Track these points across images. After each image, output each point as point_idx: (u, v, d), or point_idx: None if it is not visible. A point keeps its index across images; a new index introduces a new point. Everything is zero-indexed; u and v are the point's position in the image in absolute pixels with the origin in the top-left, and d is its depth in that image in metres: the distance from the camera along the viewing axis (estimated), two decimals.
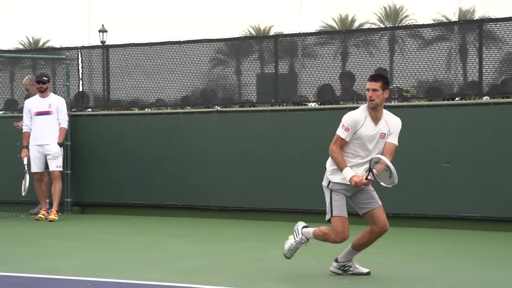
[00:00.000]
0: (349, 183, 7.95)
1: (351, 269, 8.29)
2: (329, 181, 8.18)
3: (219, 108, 14.06)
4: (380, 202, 8.12)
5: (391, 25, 39.45)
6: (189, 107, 14.54)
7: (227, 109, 14.02)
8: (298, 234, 8.37)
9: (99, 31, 41.03)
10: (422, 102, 12.68)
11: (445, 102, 12.40)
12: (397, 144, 8.07)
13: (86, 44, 15.71)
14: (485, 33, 12.07)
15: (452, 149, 12.08)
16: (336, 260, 8.34)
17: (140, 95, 14.71)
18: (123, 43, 14.90)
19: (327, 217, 8.20)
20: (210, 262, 9.45)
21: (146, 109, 14.77)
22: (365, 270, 8.31)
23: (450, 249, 10.51)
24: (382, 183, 7.99)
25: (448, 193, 12.10)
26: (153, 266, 9.11)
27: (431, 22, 15.50)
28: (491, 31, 12.09)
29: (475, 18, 24.23)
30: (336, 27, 48.86)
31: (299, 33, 13.78)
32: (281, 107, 13.64)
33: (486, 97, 12.21)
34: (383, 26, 41.25)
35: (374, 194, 8.14)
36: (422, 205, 12.29)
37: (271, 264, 9.17)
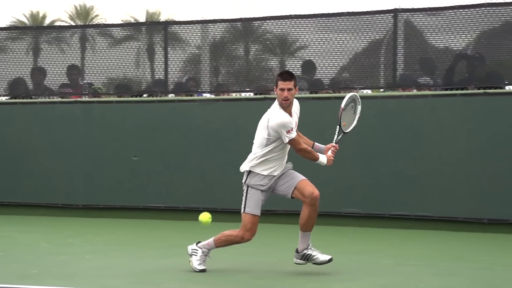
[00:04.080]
0: (269, 175, 7.92)
1: (312, 257, 8.03)
2: (247, 177, 7.99)
3: None
4: (302, 176, 8.01)
5: (82, 24, 39.60)
6: None
7: None
8: (197, 251, 8.15)
9: None
10: (112, 98, 13.18)
11: (134, 98, 13.00)
12: None
13: None
14: (170, 34, 12.82)
15: (139, 143, 12.70)
16: (297, 251, 8.14)
17: None
18: None
19: (242, 210, 8.02)
20: None
21: None
22: (326, 258, 8.05)
23: (133, 238, 10.99)
24: (351, 127, 8.20)
25: (136, 185, 12.72)
26: None
27: (120, 22, 16.06)
28: (176, 33, 12.87)
29: (161, 20, 25.15)
30: (27, 23, 48.20)
31: None
32: None
33: (172, 94, 12.97)
34: (74, 24, 41.33)
35: (292, 173, 8.03)
36: (111, 197, 12.80)
37: None
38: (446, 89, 11.47)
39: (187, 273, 8.17)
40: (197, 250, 8.19)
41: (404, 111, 11.51)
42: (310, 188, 7.93)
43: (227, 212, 12.19)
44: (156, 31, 13.11)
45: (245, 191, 8.02)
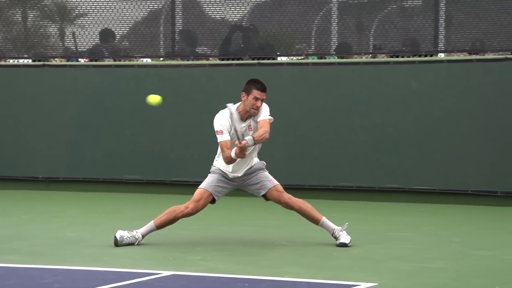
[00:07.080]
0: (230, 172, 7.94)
1: (338, 239, 7.89)
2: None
3: None
4: (271, 184, 7.96)
5: None
6: None
7: None
8: (132, 231, 7.96)
9: None
10: None
11: None
12: (267, 118, 7.95)
13: None
14: None
15: None
16: None
17: None
18: None
19: None
20: None
21: None
22: (345, 241, 7.89)
23: None
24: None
25: None
26: None
27: None
28: None
29: None
30: None
31: None
32: None
33: None
34: None
35: (262, 179, 7.99)
36: None
37: None
38: (222, 59, 11.86)
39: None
40: (135, 236, 7.99)
41: (183, 80, 11.80)
42: (277, 197, 7.97)
43: (28, 180, 12.15)
44: None
45: None
